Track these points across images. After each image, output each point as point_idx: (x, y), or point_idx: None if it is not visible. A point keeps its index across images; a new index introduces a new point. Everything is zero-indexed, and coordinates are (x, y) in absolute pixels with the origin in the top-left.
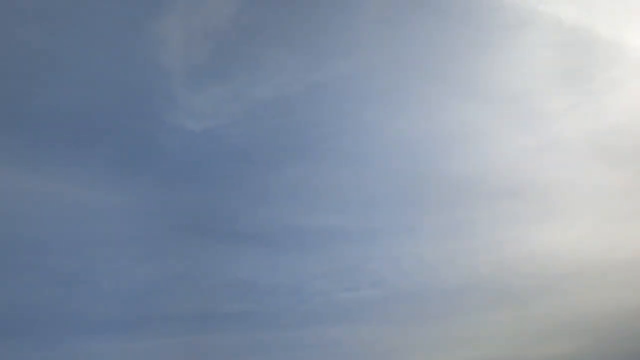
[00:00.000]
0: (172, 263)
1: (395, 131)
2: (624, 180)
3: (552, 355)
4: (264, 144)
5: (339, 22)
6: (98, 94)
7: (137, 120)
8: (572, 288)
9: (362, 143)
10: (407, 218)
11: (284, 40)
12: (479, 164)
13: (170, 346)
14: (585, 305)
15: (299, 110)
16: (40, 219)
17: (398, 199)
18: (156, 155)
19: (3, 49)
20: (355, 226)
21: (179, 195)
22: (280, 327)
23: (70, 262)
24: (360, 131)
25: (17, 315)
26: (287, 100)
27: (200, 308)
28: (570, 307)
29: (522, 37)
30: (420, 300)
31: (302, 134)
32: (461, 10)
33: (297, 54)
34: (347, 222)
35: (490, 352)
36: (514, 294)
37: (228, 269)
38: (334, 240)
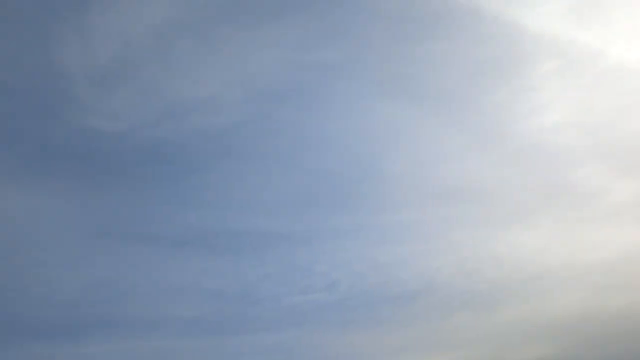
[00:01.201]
0: (105, 269)
1: (326, 131)
2: (567, 179)
3: None
4: (186, 145)
5: (260, 18)
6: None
7: (44, 123)
8: (536, 291)
9: (292, 143)
10: (352, 219)
11: (201, 37)
12: (417, 164)
13: (109, 353)
14: (551, 309)
15: (225, 109)
16: None
17: (337, 200)
18: (68, 158)
19: None
20: (293, 228)
21: (99, 199)
22: (229, 333)
23: None
24: (291, 131)
25: None
26: (211, 100)
27: (140, 314)
28: (537, 311)
29: (447, 30)
30: (376, 304)
31: (228, 134)
32: (384, 5)
33: (217, 51)
34: (284, 224)
35: (455, 359)
36: (477, 297)
37: (164, 274)
38: (274, 243)
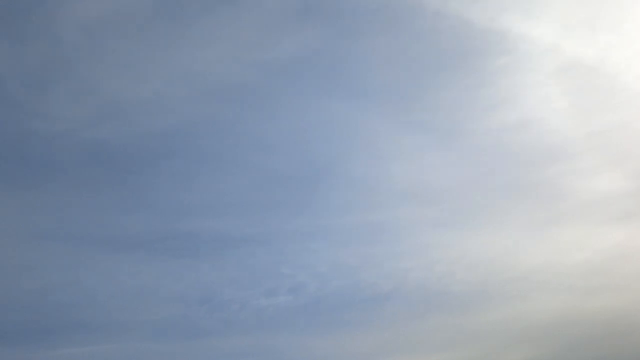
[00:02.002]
0: (58, 272)
1: (276, 131)
2: (534, 179)
3: None
4: (128, 146)
5: (199, 14)
6: None
7: None
8: (512, 293)
9: (242, 143)
10: (313, 221)
11: (138, 33)
12: (377, 164)
13: (65, 357)
14: (529, 311)
15: (169, 108)
16: None
17: (295, 201)
18: (4, 161)
19: None
20: (251, 231)
21: (41, 202)
22: (195, 336)
23: None
24: (240, 131)
25: None
26: (154, 98)
27: (100, 318)
28: (514, 313)
29: (397, 27)
30: (345, 306)
31: (174, 133)
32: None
33: (157, 48)
34: (240, 227)
35: None
36: (451, 300)
37: (119, 278)
38: (232, 246)
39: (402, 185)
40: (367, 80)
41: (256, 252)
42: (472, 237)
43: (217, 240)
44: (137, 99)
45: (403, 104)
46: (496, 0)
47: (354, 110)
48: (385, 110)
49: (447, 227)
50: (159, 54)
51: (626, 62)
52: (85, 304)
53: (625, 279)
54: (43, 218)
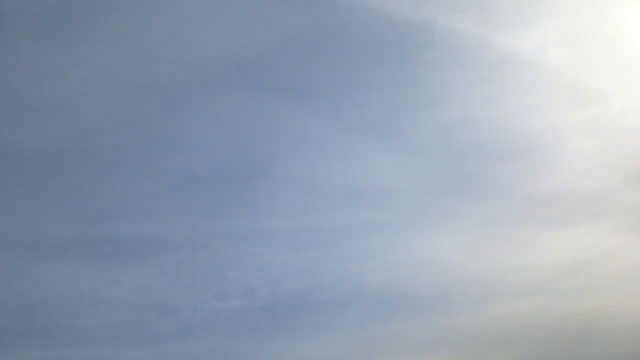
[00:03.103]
0: None
1: (206, 134)
2: (482, 178)
3: None
4: (45, 149)
5: (112, 10)
6: None
7: None
8: (473, 296)
9: (167, 145)
10: (256, 223)
11: (42, 29)
12: (317, 166)
13: None
14: (494, 315)
15: (82, 109)
16: None
17: (232, 203)
18: None
19: None
20: (189, 234)
21: None
22: (143, 342)
23: None
24: (164, 132)
25: None
26: (66, 100)
27: (38, 324)
28: (478, 317)
29: (318, 22)
30: (301, 310)
31: (88, 135)
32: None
33: (67, 47)
34: (177, 230)
35: None
36: (411, 303)
37: (51, 283)
38: (171, 250)
39: (344, 187)
40: (294, 79)
41: (197, 255)
42: (427, 238)
43: (152, 243)
44: (50, 100)
45: (332, 102)
46: None
47: (281, 109)
48: (314, 108)
49: (398, 228)
50: (71, 53)
51: (565, 56)
52: (19, 310)
53: (593, 281)
54: None
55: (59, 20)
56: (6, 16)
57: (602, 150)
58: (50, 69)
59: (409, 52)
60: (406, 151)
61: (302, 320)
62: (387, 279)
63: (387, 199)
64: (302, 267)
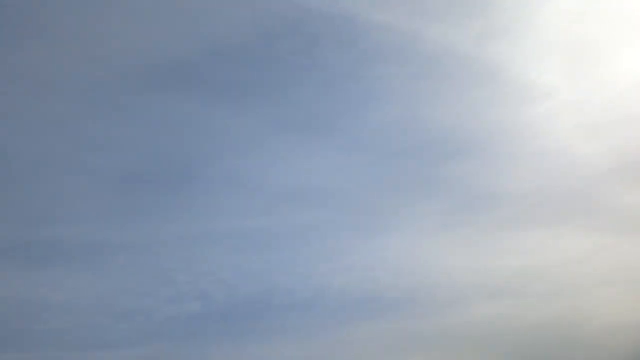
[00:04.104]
0: None
1: (138, 134)
2: (434, 178)
3: None
4: None
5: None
6: None
7: None
8: (441, 300)
9: (95, 146)
10: (200, 225)
11: None
12: (259, 167)
13: None
14: (464, 319)
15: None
16: None
17: (171, 205)
18: None
19: None
20: (131, 236)
21: None
22: (95, 347)
23: None
24: (89, 133)
25: None
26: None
27: None
28: (445, 320)
29: (236, 23)
30: (260, 314)
31: (13, 137)
32: None
33: None
34: (115, 232)
35: None
36: (376, 306)
37: None
38: (111, 253)
39: (289, 187)
40: (226, 78)
41: (142, 259)
42: (386, 240)
43: (92, 246)
44: None
45: (266, 101)
46: None
47: (215, 109)
48: (248, 108)
49: (352, 230)
50: None
51: (505, 51)
52: None
53: (562, 286)
54: None
55: None
56: None
57: (553, 148)
58: None
59: (337, 48)
60: (349, 150)
61: (262, 324)
62: (349, 281)
63: (335, 200)
64: (256, 270)
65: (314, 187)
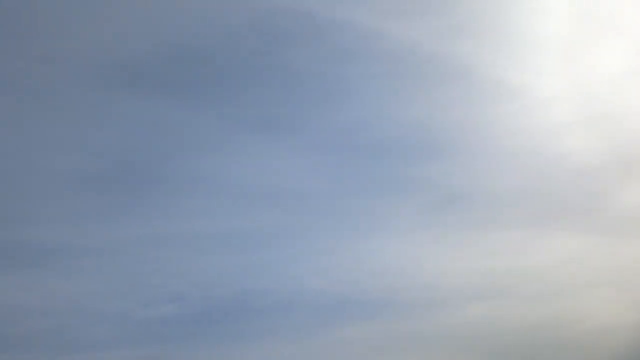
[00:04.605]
0: None
1: (94, 135)
2: (403, 178)
3: None
4: None
5: None
6: None
7: None
8: (424, 302)
9: (49, 146)
10: (167, 227)
11: None
12: (224, 168)
13: None
14: (448, 321)
15: None
16: None
17: (137, 207)
18: None
19: None
20: (97, 239)
21: None
22: (72, 351)
23: None
24: (46, 133)
25: None
26: None
27: None
28: (428, 323)
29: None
30: (237, 316)
31: None
32: None
33: None
34: (79, 235)
35: None
36: (356, 309)
37: None
38: (78, 256)
39: (255, 188)
40: (186, 78)
41: (112, 261)
42: (362, 241)
43: (58, 249)
44: None
45: (226, 101)
46: None
47: (174, 109)
48: (208, 108)
49: (329, 231)
50: None
51: (472, 48)
52: None
53: (548, 288)
54: None
55: None
56: None
57: (529, 147)
58: None
59: (299, 46)
60: (317, 150)
61: (241, 327)
62: (326, 283)
63: (306, 200)
64: (232, 271)
65: (283, 188)
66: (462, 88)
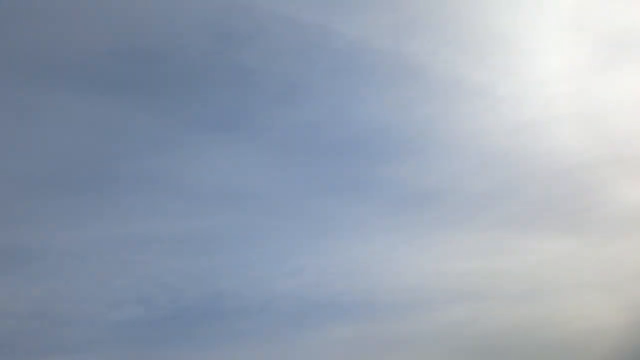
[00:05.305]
0: None
1: (38, 136)
2: (368, 179)
3: None
4: None
5: None
6: None
7: None
8: (399, 303)
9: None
10: (125, 229)
11: None
12: (179, 168)
13: None
14: (423, 322)
15: None
16: None
17: (89, 208)
18: None
19: None
20: (53, 241)
21: None
22: (36, 355)
23: None
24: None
25: None
26: None
27: None
28: (406, 324)
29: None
30: (208, 319)
31: None
32: None
33: None
34: (32, 237)
35: None
36: (332, 311)
37: None
38: (34, 258)
39: (216, 188)
40: (137, 78)
41: (72, 263)
42: (332, 243)
43: (15, 252)
44: None
45: (178, 101)
46: None
47: (125, 109)
48: (159, 109)
49: (294, 233)
50: None
51: (427, 46)
52: None
53: (523, 290)
54: None
55: None
56: None
57: (495, 147)
58: None
59: (247, 44)
60: (273, 150)
61: (212, 330)
62: (300, 285)
63: (266, 201)
64: (199, 273)
65: (241, 188)
66: (420, 87)
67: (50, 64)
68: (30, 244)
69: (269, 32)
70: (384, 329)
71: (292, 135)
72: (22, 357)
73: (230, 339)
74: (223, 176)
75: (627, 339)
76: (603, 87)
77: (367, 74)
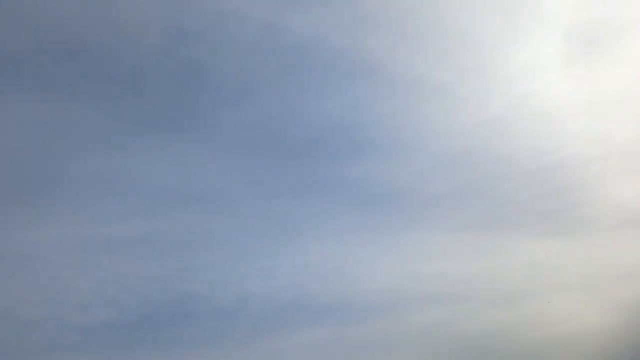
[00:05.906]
0: None
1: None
2: (323, 178)
3: None
4: None
5: None
6: None
7: None
8: (375, 306)
9: None
10: (83, 230)
11: None
12: (128, 169)
13: None
14: (399, 326)
15: None
16: None
17: (39, 209)
18: None
19: None
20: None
21: None
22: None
23: None
24: None
25: None
26: None
27: None
28: (382, 327)
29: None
30: (179, 321)
31: None
32: None
33: None
34: None
35: None
36: (307, 313)
37: None
38: (5, 263)
39: (167, 189)
40: (76, 75)
41: (35, 267)
42: (298, 244)
43: None
44: None
45: (122, 100)
46: None
47: (68, 107)
48: (105, 108)
49: (257, 234)
50: None
51: (383, 43)
52: None
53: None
54: None
55: None
56: None
57: (457, 147)
58: None
59: (199, 41)
60: (228, 150)
61: (182, 333)
62: (271, 286)
63: (223, 202)
64: (165, 276)
65: (197, 189)
66: (380, 84)
67: None
68: None
69: (219, 29)
70: (359, 331)
71: (248, 134)
72: None
73: (201, 342)
74: (176, 177)
75: (608, 341)
76: (571, 83)
77: (324, 71)
